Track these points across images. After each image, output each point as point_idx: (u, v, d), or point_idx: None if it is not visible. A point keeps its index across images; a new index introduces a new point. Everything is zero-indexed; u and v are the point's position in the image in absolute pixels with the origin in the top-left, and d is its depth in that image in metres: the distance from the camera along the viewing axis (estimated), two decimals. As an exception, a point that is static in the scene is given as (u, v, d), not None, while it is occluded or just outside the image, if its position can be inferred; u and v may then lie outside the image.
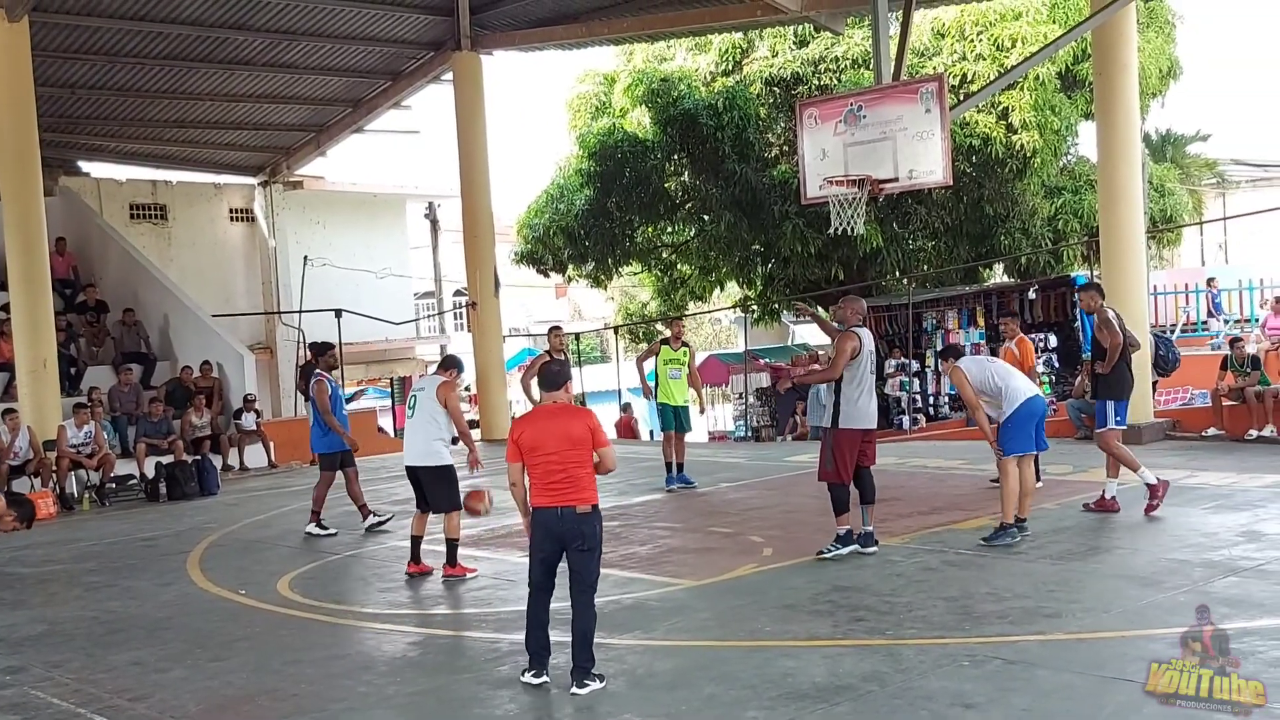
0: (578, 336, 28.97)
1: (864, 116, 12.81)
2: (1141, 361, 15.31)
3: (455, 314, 35.22)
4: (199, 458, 17.08)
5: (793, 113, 16.32)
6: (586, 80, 27.15)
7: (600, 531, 6.51)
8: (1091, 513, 10.41)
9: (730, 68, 24.63)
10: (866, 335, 9.27)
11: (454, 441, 10.07)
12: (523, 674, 6.48)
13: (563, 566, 6.50)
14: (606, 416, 20.01)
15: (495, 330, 22.41)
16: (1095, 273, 18.68)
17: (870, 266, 24.56)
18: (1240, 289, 23.56)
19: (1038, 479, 10.26)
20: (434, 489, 9.52)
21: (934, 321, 22.89)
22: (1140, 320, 15.77)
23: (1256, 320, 21.36)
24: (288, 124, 25.38)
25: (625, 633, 7.36)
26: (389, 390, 32.51)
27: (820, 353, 23.33)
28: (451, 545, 9.50)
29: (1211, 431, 15.35)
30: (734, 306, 30.84)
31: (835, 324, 9.67)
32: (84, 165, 25.52)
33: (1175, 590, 7.60)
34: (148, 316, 21.10)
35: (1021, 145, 21.77)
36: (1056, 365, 20.85)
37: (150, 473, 16.65)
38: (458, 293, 33.55)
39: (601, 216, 25.29)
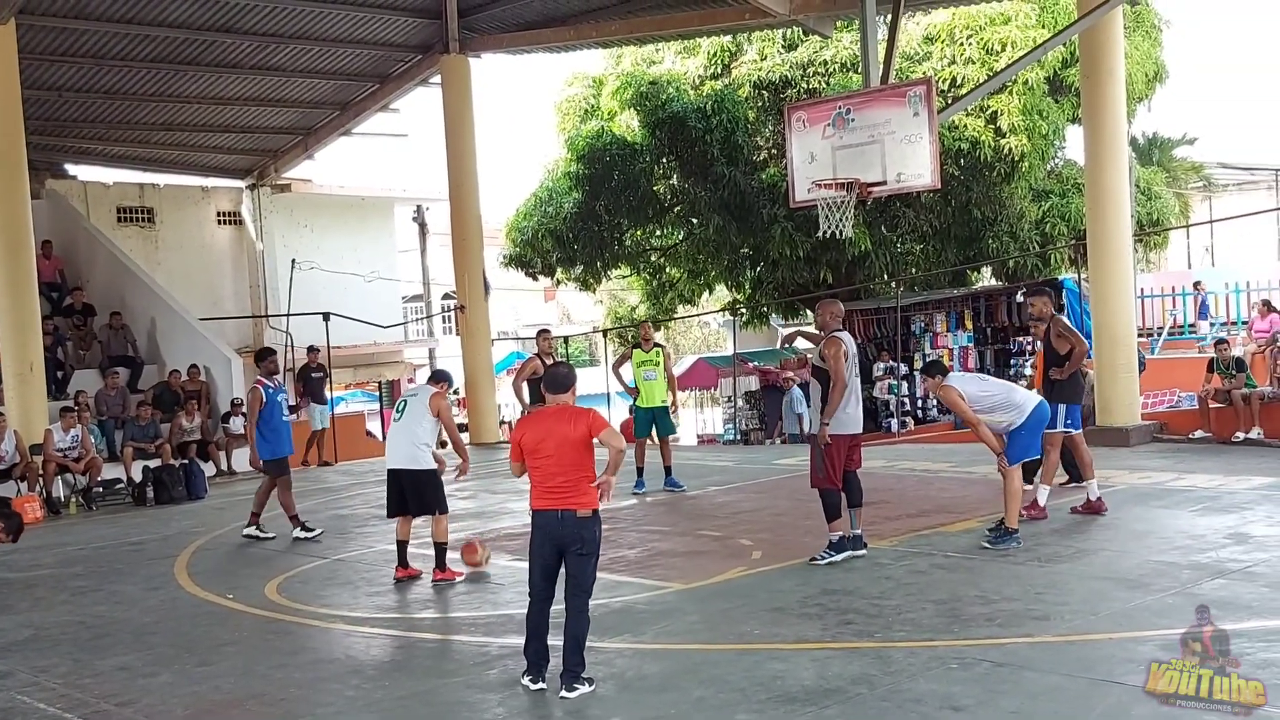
0: (567, 340, 28.97)
1: (852, 120, 12.83)
2: (1128, 364, 15.41)
3: (444, 317, 35.17)
4: (186, 462, 17.01)
5: (781, 116, 16.35)
6: (575, 83, 27.16)
7: (599, 536, 6.49)
8: (1079, 515, 10.43)
9: (719, 71, 24.66)
10: (847, 338, 9.27)
11: (441, 445, 10.06)
12: (522, 677, 6.48)
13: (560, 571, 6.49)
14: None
15: (484, 333, 22.40)
16: (1083, 276, 18.72)
17: (859, 269, 24.60)
18: (1227, 292, 23.63)
19: (1028, 481, 10.29)
20: (418, 493, 9.51)
21: (922, 324, 22.94)
22: (1128, 323, 15.84)
23: (1243, 322, 21.42)
24: (275, 127, 25.35)
25: (614, 636, 7.35)
26: (377, 394, 32.49)
27: (808, 356, 23.36)
28: (440, 550, 9.49)
29: (1199, 434, 15.38)
30: (723, 310, 30.88)
31: (817, 330, 9.66)
32: (71, 168, 25.47)
33: (1163, 592, 7.62)
34: (135, 320, 21.02)
35: (1009, 149, 21.83)
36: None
37: (137, 477, 16.58)
38: (446, 296, 33.51)
39: (590, 219, 25.29)
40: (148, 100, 22.63)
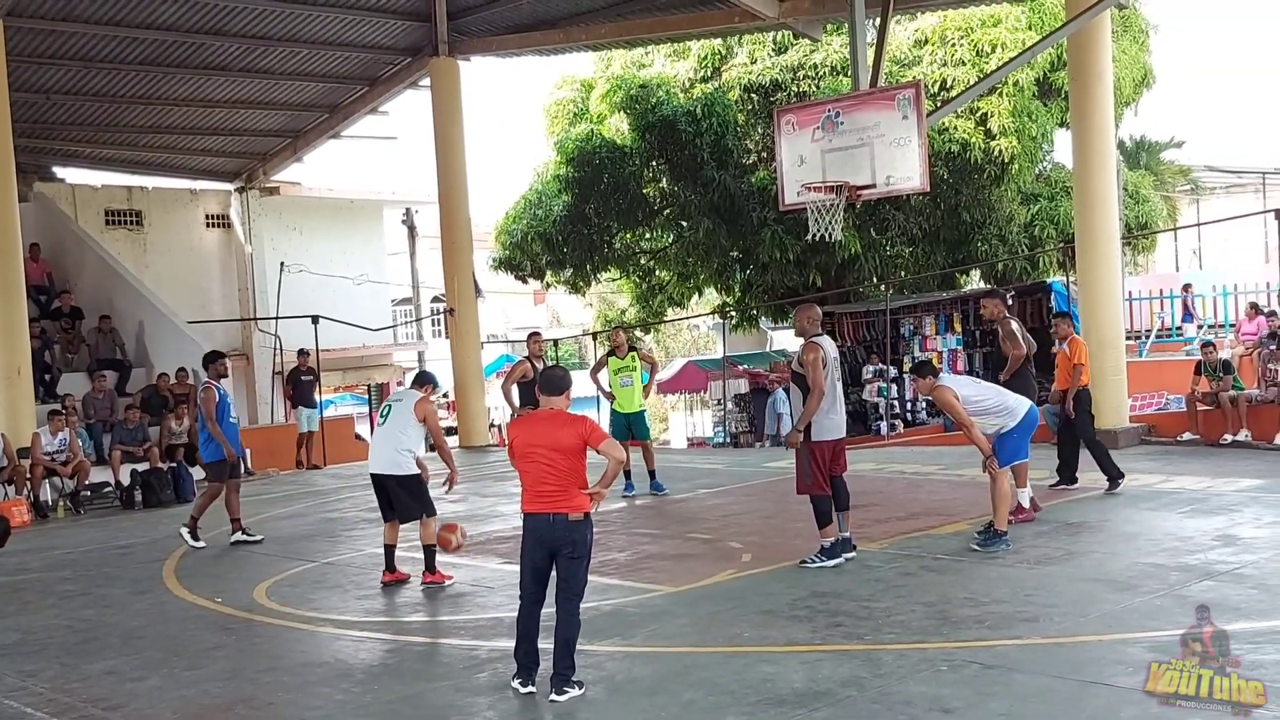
0: (556, 343, 28.98)
1: (842, 123, 12.85)
2: (1116, 367, 15.45)
3: (433, 320, 35.14)
4: (175, 465, 16.95)
5: (771, 119, 16.37)
6: (564, 86, 27.17)
7: (591, 539, 6.48)
8: (1018, 523, 10.25)
9: (709, 74, 24.69)
10: (826, 342, 9.21)
11: (430, 449, 10.03)
12: (512, 680, 6.47)
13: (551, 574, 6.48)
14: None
15: (473, 337, 22.37)
16: (1071, 279, 18.77)
17: (848, 273, 24.64)
18: (1215, 294, 23.71)
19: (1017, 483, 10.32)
20: (401, 498, 9.44)
21: (911, 327, 22.97)
22: (1116, 326, 15.89)
23: (1230, 325, 21.49)
24: (264, 130, 25.31)
25: (604, 639, 7.34)
26: (366, 397, 32.43)
27: (789, 360, 23.43)
28: (429, 553, 9.46)
29: (1187, 436, 15.44)
30: (712, 313, 30.89)
31: (797, 336, 9.65)
32: (59, 171, 25.39)
33: (1152, 594, 7.63)
34: (123, 323, 20.97)
35: (999, 151, 21.88)
36: (1033, 370, 20.88)
37: (125, 480, 16.53)
38: (435, 299, 33.47)
39: (580, 223, 25.30)
40: (136, 103, 22.57)
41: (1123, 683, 5.89)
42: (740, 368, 27.93)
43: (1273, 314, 18.24)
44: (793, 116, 13.48)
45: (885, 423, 21.81)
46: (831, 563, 9.03)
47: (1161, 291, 24.81)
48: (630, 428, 13.62)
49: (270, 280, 26.88)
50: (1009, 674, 6.22)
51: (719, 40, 23.88)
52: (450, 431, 24.65)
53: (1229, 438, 14.93)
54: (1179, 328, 23.55)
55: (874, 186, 12.74)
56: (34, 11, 18.14)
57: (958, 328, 22.53)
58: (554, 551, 6.38)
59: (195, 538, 12.11)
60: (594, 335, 31.34)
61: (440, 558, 9.54)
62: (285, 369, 21.30)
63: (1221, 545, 9.01)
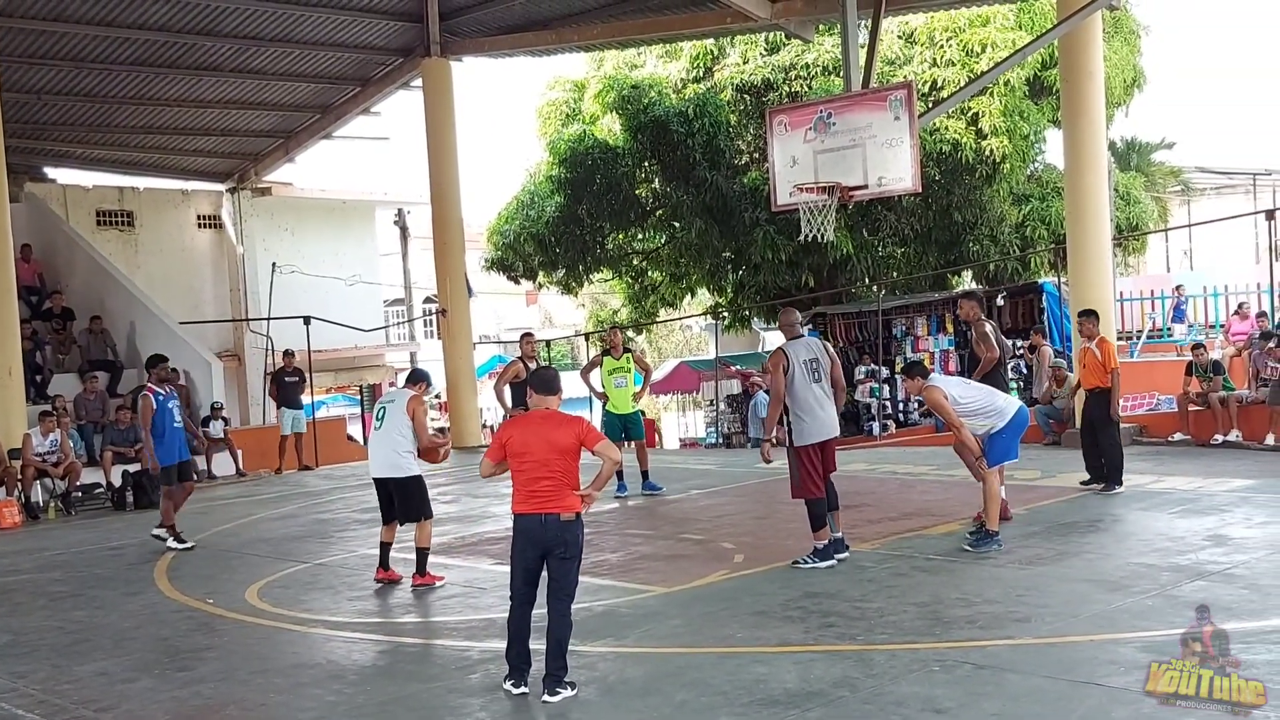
0: (549, 343, 28.93)
1: (834, 124, 12.86)
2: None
3: (425, 321, 35.11)
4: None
5: (763, 120, 16.38)
6: (557, 87, 27.17)
7: (582, 540, 6.48)
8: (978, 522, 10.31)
9: (701, 74, 24.69)
10: (797, 346, 9.17)
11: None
12: (504, 681, 6.46)
13: (542, 575, 6.47)
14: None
15: (465, 337, 22.36)
16: (1063, 279, 18.81)
17: (840, 273, 24.66)
18: (1205, 295, 23.78)
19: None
20: (404, 500, 9.45)
21: (904, 328, 23.01)
22: (1108, 326, 15.89)
23: (1220, 326, 21.55)
24: (256, 130, 25.27)
25: (597, 640, 7.34)
26: (358, 398, 32.39)
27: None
28: (421, 554, 9.45)
29: (1178, 436, 15.48)
30: (705, 313, 30.92)
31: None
32: (50, 171, 25.33)
33: (1143, 594, 7.65)
34: (114, 324, 20.93)
35: (991, 151, 21.91)
36: (1025, 371, 20.97)
37: (117, 481, 16.50)
38: (428, 299, 33.46)
39: (572, 223, 25.30)
40: (127, 103, 22.53)
41: (1114, 683, 5.90)
42: (732, 368, 27.96)
43: (1262, 314, 18.27)
44: (785, 117, 13.49)
45: (878, 423, 21.83)
46: (824, 564, 9.03)
47: (1153, 292, 24.87)
48: (626, 429, 13.63)
49: (262, 281, 26.85)
50: (1001, 674, 6.23)
51: (711, 41, 23.89)
52: (442, 432, 24.63)
53: (1220, 438, 14.98)
54: (1169, 328, 23.61)
55: (866, 187, 12.75)
56: (25, 12, 18.10)
57: (949, 328, 22.57)
58: (545, 552, 6.38)
59: (180, 540, 12.12)
60: (586, 336, 31.36)
61: (431, 559, 9.55)
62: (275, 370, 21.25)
63: (1212, 545, 9.04)
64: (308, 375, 20.48)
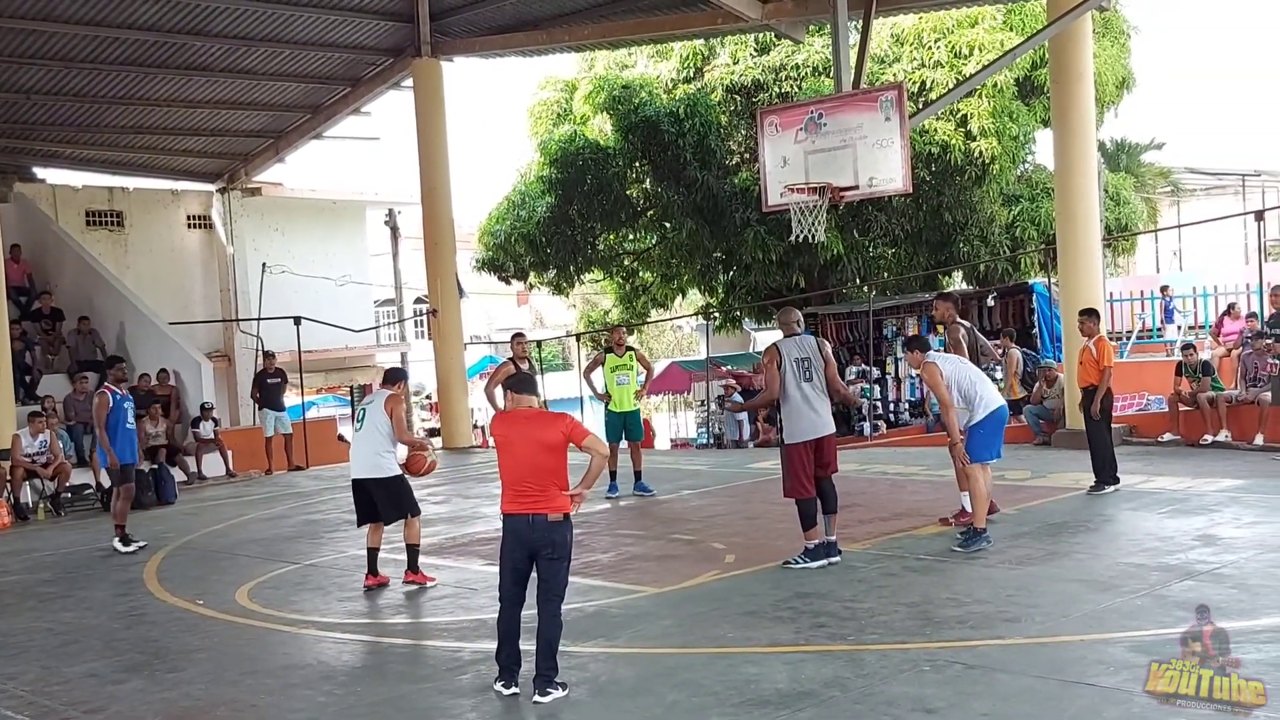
0: (540, 344, 28.92)
1: (824, 124, 12.88)
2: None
3: (416, 321, 35.08)
4: (156, 466, 16.88)
5: (754, 120, 16.40)
6: (548, 87, 27.15)
7: (571, 540, 6.48)
8: (949, 526, 10.30)
9: (691, 75, 24.69)
10: (789, 344, 9.16)
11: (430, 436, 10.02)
12: (494, 682, 6.46)
13: (531, 576, 6.47)
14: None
15: (456, 338, 22.33)
16: (1053, 280, 18.85)
17: (831, 274, 24.69)
18: (1195, 296, 23.84)
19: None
20: (384, 500, 9.41)
21: (894, 328, 23.04)
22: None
23: (1209, 326, 21.60)
24: (246, 130, 25.22)
25: (588, 640, 7.34)
26: (349, 398, 32.35)
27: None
28: (412, 551, 9.45)
29: (1167, 437, 15.52)
30: (696, 314, 30.94)
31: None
32: (39, 171, 25.24)
33: (1133, 594, 7.67)
34: (104, 324, 20.88)
35: (980, 152, 21.94)
36: (1027, 366, 20.97)
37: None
38: (418, 300, 33.43)
39: (563, 223, 25.29)
40: (117, 103, 22.46)
41: (1104, 682, 5.92)
42: (724, 369, 27.94)
43: (1252, 315, 18.31)
44: (776, 118, 13.51)
45: (868, 423, 21.85)
46: (815, 564, 9.04)
47: (1142, 293, 24.93)
48: (625, 427, 13.62)
49: (252, 281, 26.79)
50: (991, 674, 6.24)
51: (701, 41, 23.90)
52: (434, 434, 24.61)
53: (1209, 438, 15.01)
54: (1160, 329, 23.67)
55: (857, 188, 12.77)
56: (13, 11, 18.03)
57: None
58: (534, 553, 6.37)
59: (126, 543, 12.20)
60: (577, 337, 31.34)
61: (422, 559, 9.55)
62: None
63: (1202, 545, 9.06)
64: (295, 376, 20.46)
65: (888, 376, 22.78)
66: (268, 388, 19.59)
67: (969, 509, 10.17)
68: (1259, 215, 18.06)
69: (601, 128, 24.72)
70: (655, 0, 19.66)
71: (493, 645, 6.56)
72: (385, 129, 70.61)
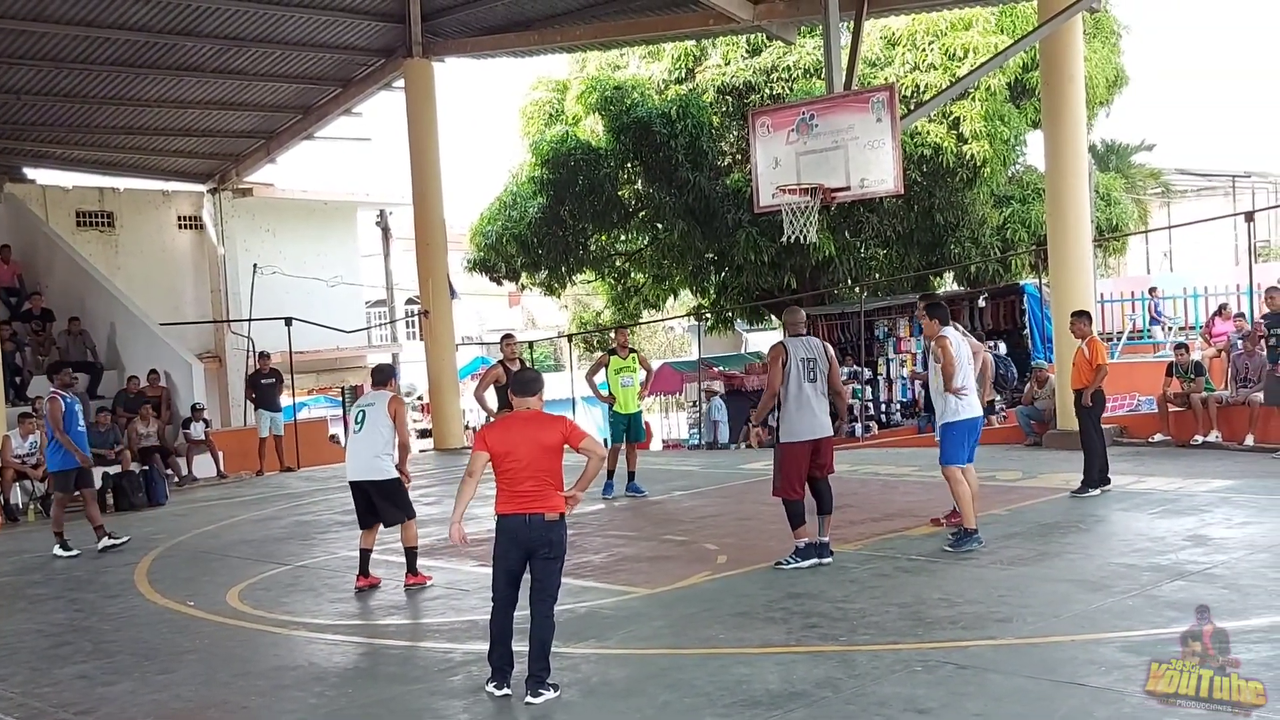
0: (531, 345, 28.92)
1: (816, 125, 12.88)
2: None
3: (407, 322, 35.06)
4: (146, 468, 16.84)
5: (745, 121, 16.40)
6: (539, 87, 27.13)
7: (565, 540, 6.48)
8: (940, 526, 10.34)
9: (683, 76, 24.70)
10: (795, 344, 9.16)
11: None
12: (487, 684, 6.45)
13: (524, 576, 6.46)
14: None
15: (448, 339, 22.30)
16: (1044, 281, 18.88)
17: (823, 275, 24.71)
18: (1185, 297, 23.92)
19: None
20: (385, 502, 9.40)
21: (885, 329, 23.06)
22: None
23: (1199, 327, 21.67)
24: (237, 131, 25.17)
25: (579, 641, 7.34)
26: (340, 399, 32.29)
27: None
28: (411, 554, 9.45)
29: (1158, 437, 15.55)
30: (688, 315, 30.92)
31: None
32: (29, 172, 25.16)
33: (1124, 594, 7.68)
34: (94, 325, 20.82)
35: (972, 155, 21.98)
36: (1015, 370, 21.02)
37: (97, 483, 16.38)
38: (410, 301, 33.41)
39: (555, 224, 25.28)
40: (108, 103, 22.40)
41: (1096, 682, 5.93)
42: (716, 370, 27.94)
43: (1240, 315, 18.37)
44: (767, 119, 13.50)
45: (860, 424, 21.87)
46: (806, 564, 9.05)
47: (1133, 294, 25.01)
48: (629, 429, 13.63)
49: (243, 282, 26.74)
50: (983, 674, 6.25)
51: (693, 42, 23.90)
52: (425, 435, 24.60)
53: (1200, 439, 15.04)
54: (1149, 330, 23.76)
55: (848, 189, 12.77)
56: (4, 11, 17.97)
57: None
58: (530, 552, 6.37)
59: (66, 548, 12.26)
60: (569, 337, 31.33)
61: (420, 560, 9.54)
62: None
63: (1193, 545, 9.08)
64: (288, 377, 20.41)
65: (879, 377, 22.81)
66: (263, 388, 19.55)
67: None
68: (1249, 216, 18.11)
69: (593, 128, 24.71)
70: (647, 1, 19.65)
71: (485, 646, 6.55)
72: (376, 130, 70.48)
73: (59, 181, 25.57)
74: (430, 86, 21.75)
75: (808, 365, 9.10)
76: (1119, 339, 23.04)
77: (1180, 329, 22.75)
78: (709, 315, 27.67)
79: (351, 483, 9.52)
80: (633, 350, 14.01)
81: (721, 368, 28.36)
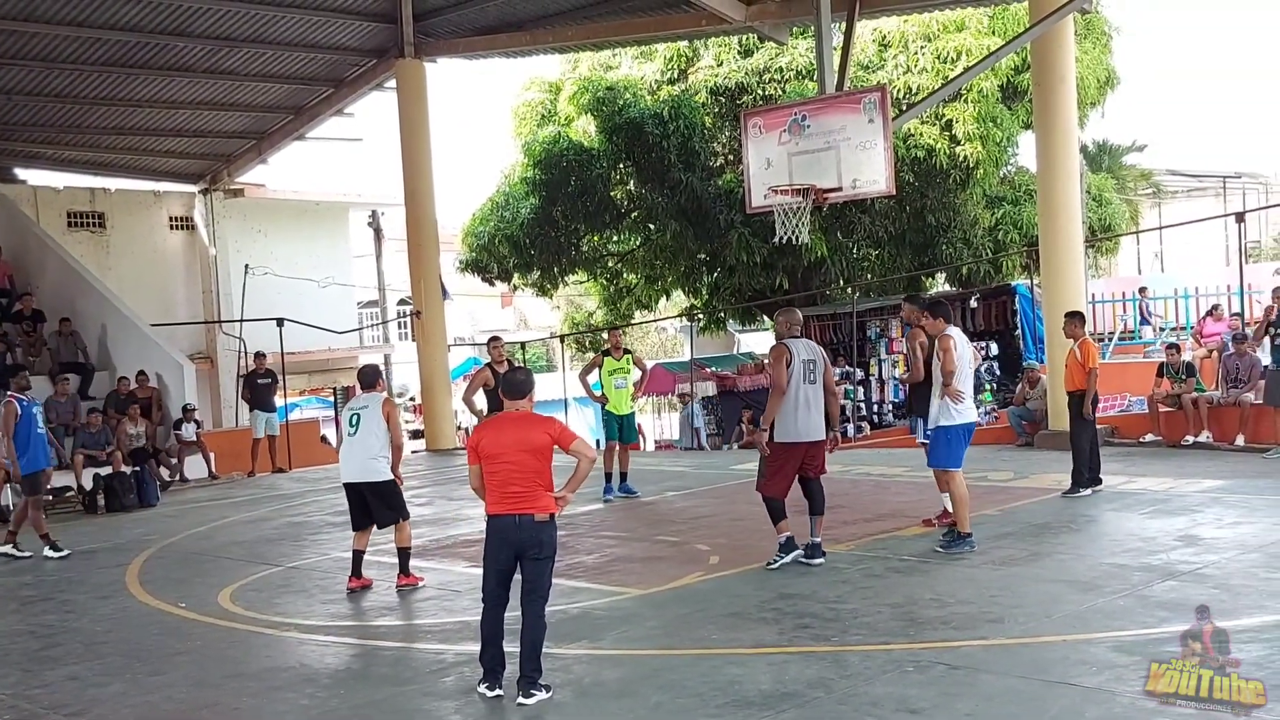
0: (524, 345, 28.94)
1: (808, 126, 12.89)
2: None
3: (399, 323, 35.03)
4: (138, 469, 16.80)
5: (738, 122, 16.42)
6: (532, 88, 27.14)
7: (555, 541, 6.48)
8: (932, 527, 10.34)
9: (675, 76, 24.72)
10: (797, 345, 9.16)
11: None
12: (478, 685, 6.44)
13: (515, 577, 6.46)
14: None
15: (440, 339, 22.29)
16: (1036, 282, 18.92)
17: (815, 275, 24.73)
18: (1175, 297, 23.98)
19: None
20: (379, 504, 9.39)
21: (878, 330, 23.09)
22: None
23: (1190, 328, 21.73)
24: (229, 131, 25.14)
25: (572, 642, 7.33)
26: (332, 400, 32.27)
27: (765, 360, 23.43)
28: (404, 555, 9.44)
29: (1149, 437, 15.57)
30: (680, 315, 30.96)
31: (776, 338, 9.64)
32: (20, 172, 25.13)
33: (1115, 594, 7.70)
34: (85, 326, 20.76)
35: (964, 156, 22.01)
36: (998, 373, 21.09)
37: (88, 484, 16.37)
38: (402, 301, 33.37)
39: (547, 225, 25.28)
40: (99, 104, 22.36)
41: (1087, 682, 5.94)
42: (708, 370, 27.94)
43: (1236, 315, 18.41)
44: (759, 119, 13.52)
45: (852, 425, 21.89)
46: (788, 557, 9.05)
47: (1124, 294, 25.07)
48: (621, 430, 13.62)
49: (235, 283, 26.70)
50: (974, 674, 6.26)
51: (685, 43, 23.91)
52: (418, 435, 24.57)
53: (1191, 439, 15.07)
54: (1139, 330, 23.81)
55: (840, 189, 12.79)
56: (-6, 12, 17.96)
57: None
58: (520, 553, 6.36)
59: (56, 549, 12.22)
60: (562, 338, 31.32)
61: (413, 562, 9.53)
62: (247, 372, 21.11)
63: (1184, 545, 9.10)
64: (280, 377, 20.37)
65: (871, 378, 22.83)
66: (258, 388, 19.51)
67: (950, 509, 10.20)
68: (1239, 217, 18.14)
69: (586, 129, 24.72)
70: (639, 2, 19.66)
71: (476, 647, 6.55)
72: (368, 130, 70.51)
73: (50, 182, 25.52)
74: (422, 87, 21.73)
75: (809, 367, 9.11)
76: (1110, 340, 23.08)
77: (1173, 329, 22.80)
78: (701, 316, 27.68)
79: (346, 484, 9.51)
80: (627, 351, 14.01)
81: (714, 368, 28.35)
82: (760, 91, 23.27)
